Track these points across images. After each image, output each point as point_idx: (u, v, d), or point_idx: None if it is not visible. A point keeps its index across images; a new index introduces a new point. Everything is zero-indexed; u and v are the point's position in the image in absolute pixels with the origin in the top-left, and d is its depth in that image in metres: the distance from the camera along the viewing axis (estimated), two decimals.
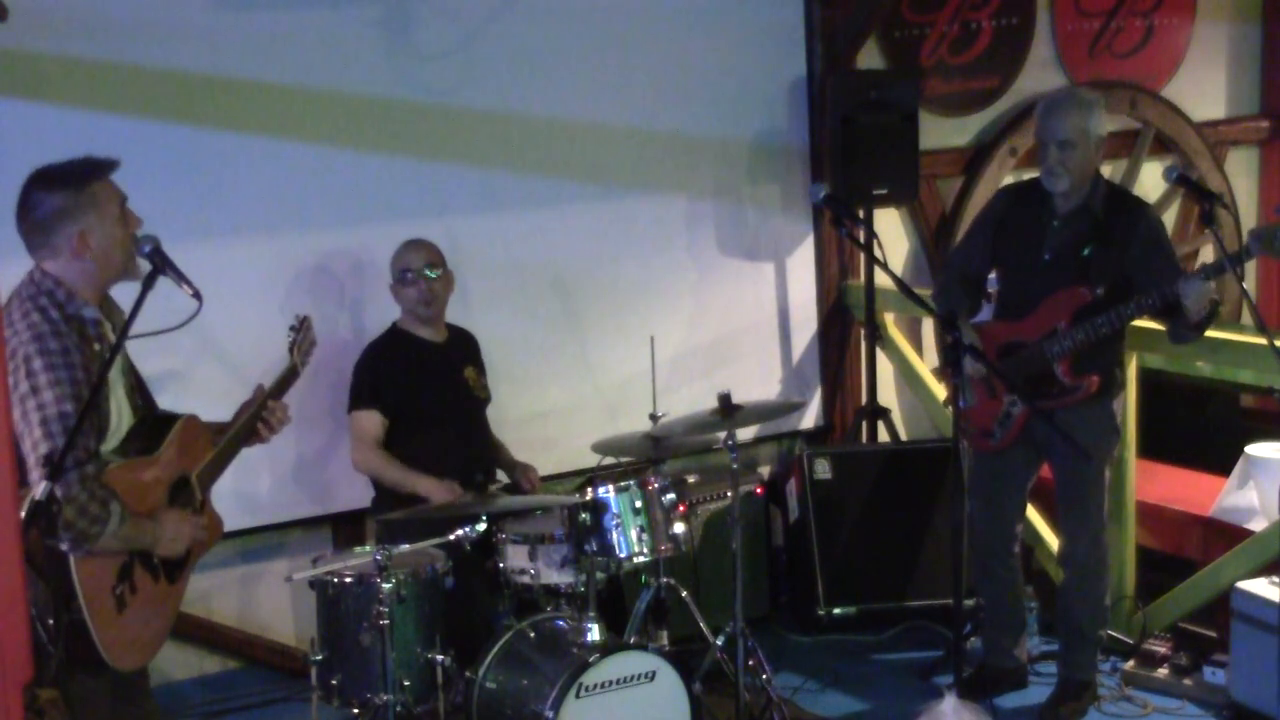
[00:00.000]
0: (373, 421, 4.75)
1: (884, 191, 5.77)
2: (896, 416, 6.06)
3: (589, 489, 4.46)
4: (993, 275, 4.85)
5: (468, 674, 4.19)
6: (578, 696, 3.95)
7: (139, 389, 3.59)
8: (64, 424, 3.17)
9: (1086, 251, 4.52)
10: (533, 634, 4.23)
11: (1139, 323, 4.62)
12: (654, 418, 4.77)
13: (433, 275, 4.80)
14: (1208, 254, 7.01)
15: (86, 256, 3.35)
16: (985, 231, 4.81)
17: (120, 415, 3.42)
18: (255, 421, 3.72)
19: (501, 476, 5.01)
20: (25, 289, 3.35)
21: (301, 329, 4.06)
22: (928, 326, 6.33)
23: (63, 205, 3.34)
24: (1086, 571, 4.75)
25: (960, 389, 4.09)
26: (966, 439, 4.90)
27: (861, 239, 5.18)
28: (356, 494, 5.03)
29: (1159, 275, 4.44)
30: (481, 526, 4.25)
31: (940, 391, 5.68)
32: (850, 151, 5.68)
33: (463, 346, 5.00)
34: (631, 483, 4.34)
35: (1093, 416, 4.61)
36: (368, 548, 4.35)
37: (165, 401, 3.79)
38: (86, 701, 3.24)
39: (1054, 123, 4.51)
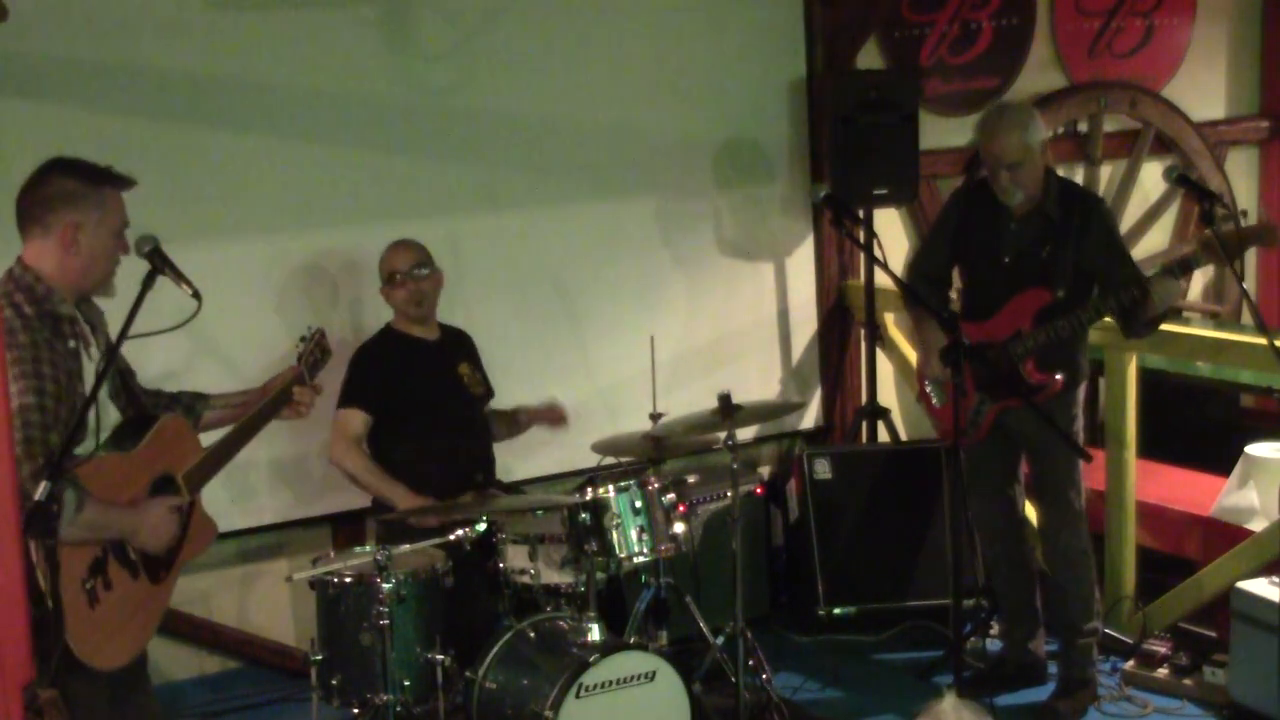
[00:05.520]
0: (356, 419, 4.74)
1: (884, 191, 5.76)
2: (896, 416, 6.06)
3: (589, 489, 4.46)
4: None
5: (468, 674, 4.19)
6: (578, 696, 3.95)
7: (127, 392, 3.59)
8: (23, 417, 3.16)
9: (1045, 252, 4.58)
10: (533, 634, 4.23)
11: None
12: (654, 418, 4.77)
13: (420, 275, 4.80)
14: None
15: (73, 251, 3.35)
16: (944, 235, 4.88)
17: (104, 414, 3.42)
18: (259, 422, 3.72)
19: (503, 475, 5.01)
20: (2, 285, 3.34)
21: (312, 340, 4.03)
22: None
23: (71, 191, 3.35)
24: (1073, 562, 4.78)
25: (958, 388, 4.17)
26: (940, 435, 5.07)
27: (861, 239, 5.18)
28: (356, 494, 5.02)
29: (1112, 270, 4.52)
30: (481, 526, 4.25)
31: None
32: (850, 151, 5.67)
33: (456, 344, 5.00)
34: (631, 483, 4.34)
35: (1059, 408, 4.65)
36: (368, 548, 4.35)
37: None
38: (83, 700, 3.23)
39: (997, 147, 4.55)
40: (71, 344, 3.34)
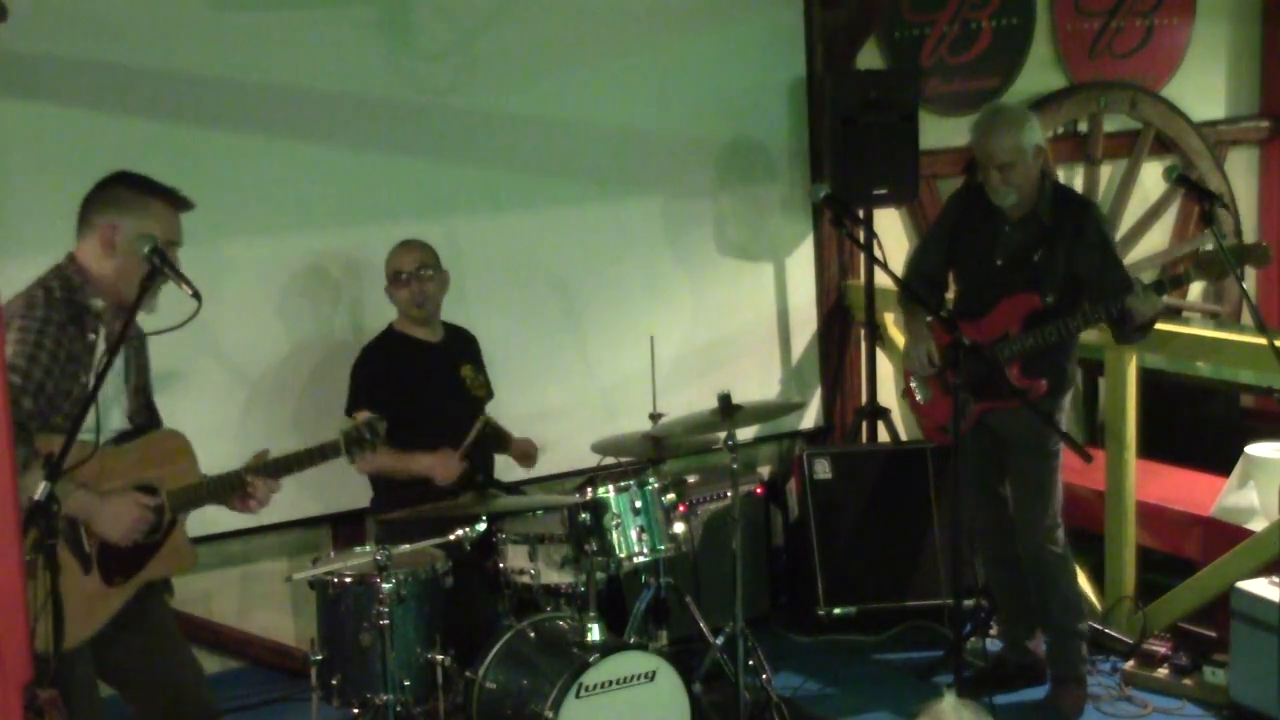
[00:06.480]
0: None
1: (884, 191, 5.77)
2: (896, 416, 6.06)
3: (589, 489, 4.46)
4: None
5: (468, 674, 4.19)
6: (578, 696, 3.95)
7: (148, 411, 3.63)
8: (15, 375, 3.21)
9: (1037, 257, 4.59)
10: (533, 634, 4.23)
11: None
12: (654, 418, 4.77)
13: (425, 276, 4.80)
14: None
15: (109, 253, 3.44)
16: (941, 236, 4.90)
17: (109, 412, 3.45)
18: (239, 486, 3.66)
19: (502, 475, 5.01)
20: (47, 273, 3.46)
21: (369, 429, 3.85)
22: None
23: (119, 196, 3.49)
24: (1040, 565, 4.78)
25: (957, 388, 4.20)
26: (924, 432, 5.11)
27: (861, 239, 5.19)
28: (356, 494, 5.02)
29: (1103, 276, 4.53)
30: (481, 526, 4.25)
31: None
32: (850, 151, 5.67)
33: (460, 345, 5.00)
34: (631, 483, 4.34)
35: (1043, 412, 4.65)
36: (368, 548, 4.35)
37: (164, 401, 3.79)
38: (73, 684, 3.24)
39: (990, 146, 4.57)
40: (90, 337, 3.39)
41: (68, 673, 3.28)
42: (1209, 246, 4.18)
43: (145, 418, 3.64)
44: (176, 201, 3.55)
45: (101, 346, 3.48)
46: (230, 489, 3.65)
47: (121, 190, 3.50)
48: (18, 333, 3.32)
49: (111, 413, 3.49)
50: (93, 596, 3.41)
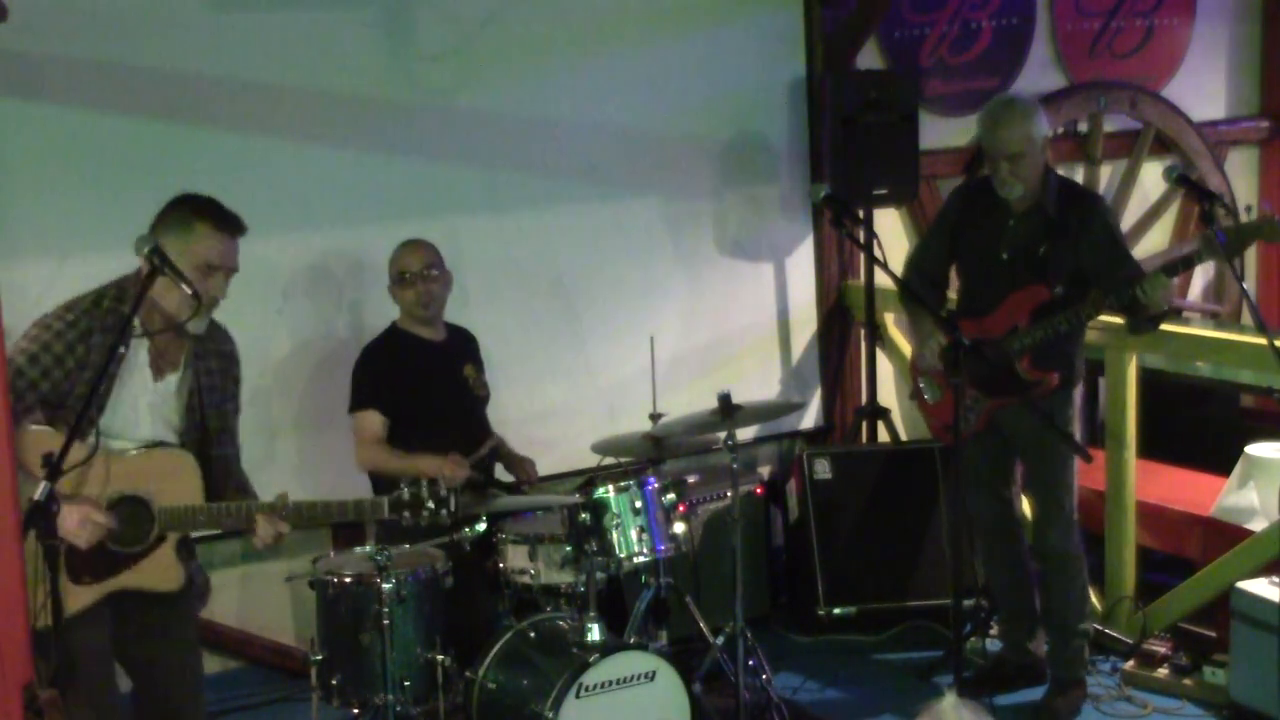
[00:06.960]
0: (374, 421, 4.74)
1: (884, 191, 5.77)
2: (896, 416, 6.06)
3: (589, 489, 4.46)
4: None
5: (468, 674, 4.19)
6: (578, 696, 3.95)
7: (199, 430, 3.64)
8: (9, 368, 3.26)
9: (1043, 250, 4.58)
10: (533, 634, 4.23)
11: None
12: (654, 418, 4.77)
13: (431, 276, 4.79)
14: None
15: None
16: (942, 233, 4.89)
17: (138, 420, 3.50)
18: (245, 521, 3.68)
19: (502, 475, 5.01)
20: (114, 280, 3.58)
21: (432, 495, 3.79)
22: None
23: (170, 218, 3.59)
24: (1062, 563, 4.78)
25: (957, 389, 4.21)
26: (932, 432, 5.11)
27: (861, 239, 5.19)
28: (356, 493, 5.00)
29: (1113, 269, 4.51)
30: (481, 526, 4.25)
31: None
32: (850, 151, 5.67)
33: (461, 345, 5.00)
34: (631, 483, 4.35)
35: (1055, 408, 4.65)
36: (368, 548, 4.35)
37: None
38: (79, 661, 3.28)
39: (1000, 137, 4.56)
40: (121, 350, 3.41)
41: (68, 637, 3.28)
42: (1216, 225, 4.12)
43: (196, 438, 3.66)
44: (224, 224, 3.60)
45: (142, 358, 3.56)
46: (234, 520, 3.67)
47: (174, 212, 3.60)
48: (36, 329, 3.44)
49: (140, 421, 3.54)
50: (62, 596, 3.37)
